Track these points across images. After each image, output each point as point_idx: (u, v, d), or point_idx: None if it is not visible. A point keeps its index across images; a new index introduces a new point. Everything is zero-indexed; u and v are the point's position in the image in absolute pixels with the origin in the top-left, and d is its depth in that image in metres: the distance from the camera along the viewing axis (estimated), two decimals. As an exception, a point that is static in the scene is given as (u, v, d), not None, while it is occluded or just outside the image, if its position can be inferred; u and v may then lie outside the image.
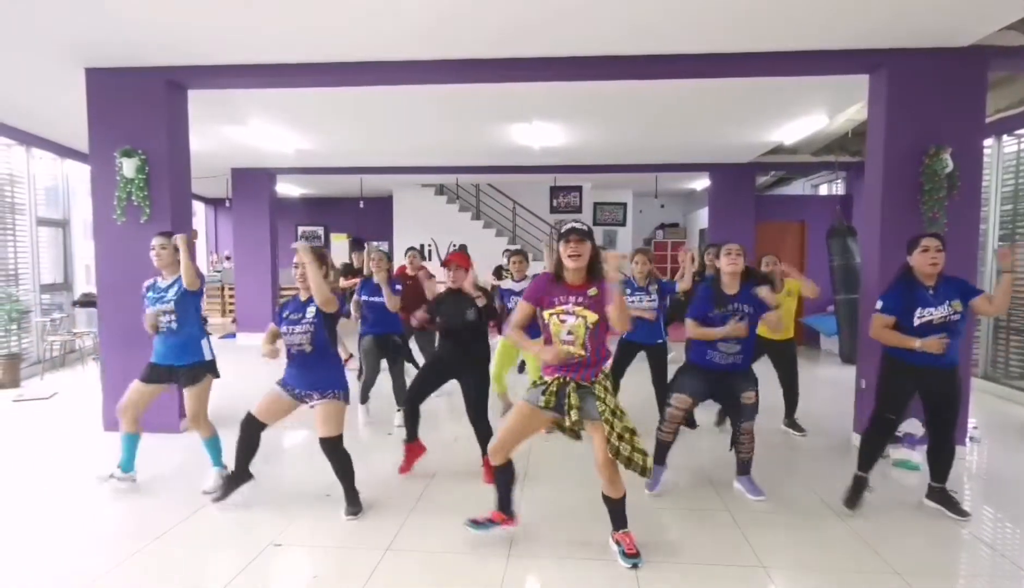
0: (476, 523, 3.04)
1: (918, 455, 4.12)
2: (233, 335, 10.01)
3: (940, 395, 3.28)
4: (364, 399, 5.25)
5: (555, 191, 12.46)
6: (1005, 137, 6.38)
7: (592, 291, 2.71)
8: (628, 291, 4.69)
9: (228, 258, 12.72)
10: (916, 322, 3.17)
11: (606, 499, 2.88)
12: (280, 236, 10.36)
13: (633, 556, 2.82)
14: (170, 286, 3.62)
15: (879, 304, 3.29)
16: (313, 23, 3.94)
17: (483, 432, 3.85)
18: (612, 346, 4.65)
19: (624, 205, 12.91)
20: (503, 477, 3.04)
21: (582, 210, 12.45)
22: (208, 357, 3.69)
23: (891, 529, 3.23)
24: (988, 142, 6.30)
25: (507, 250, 7.12)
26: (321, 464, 3.38)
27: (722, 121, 6.69)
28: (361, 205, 11.56)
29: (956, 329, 3.17)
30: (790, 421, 4.96)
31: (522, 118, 6.60)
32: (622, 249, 12.88)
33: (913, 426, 4.23)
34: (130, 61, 4.58)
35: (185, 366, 3.60)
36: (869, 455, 3.42)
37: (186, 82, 4.87)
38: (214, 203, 13.57)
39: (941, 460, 3.39)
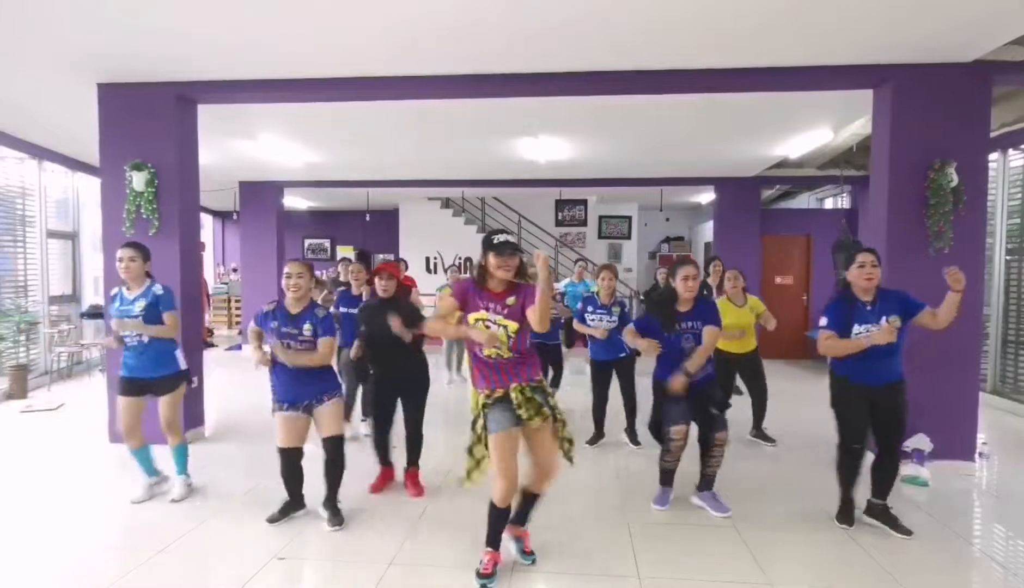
0: (487, 576, 2.81)
1: (927, 471, 4.08)
2: (239, 347, 10.05)
3: (886, 410, 3.26)
4: (364, 413, 5.20)
5: (560, 204, 12.50)
6: (1011, 151, 6.37)
7: (511, 300, 2.75)
8: (590, 308, 4.83)
9: (235, 270, 12.80)
10: (853, 337, 3.18)
11: (529, 497, 2.92)
12: (287, 249, 10.43)
13: (529, 554, 2.97)
14: (137, 299, 3.58)
15: (823, 321, 3.28)
16: (321, 39, 4.00)
17: (414, 441, 3.88)
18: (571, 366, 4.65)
19: (629, 218, 12.93)
20: (502, 518, 2.86)
21: (587, 223, 12.49)
22: (183, 367, 3.72)
23: (901, 545, 3.19)
24: (993, 156, 6.29)
25: None
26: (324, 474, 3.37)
27: (727, 135, 6.71)
28: (367, 218, 11.63)
29: (893, 346, 3.12)
30: (758, 432, 5.02)
31: (528, 132, 6.65)
32: (627, 262, 12.90)
33: (922, 442, 4.19)
34: (142, 76, 4.66)
35: (160, 378, 3.62)
36: (847, 479, 3.41)
37: (196, 97, 4.94)
38: (222, 215, 13.68)
39: (884, 476, 3.35)
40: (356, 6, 3.53)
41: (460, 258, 11.80)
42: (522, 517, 2.97)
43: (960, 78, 4.24)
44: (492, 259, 2.73)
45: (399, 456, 3.98)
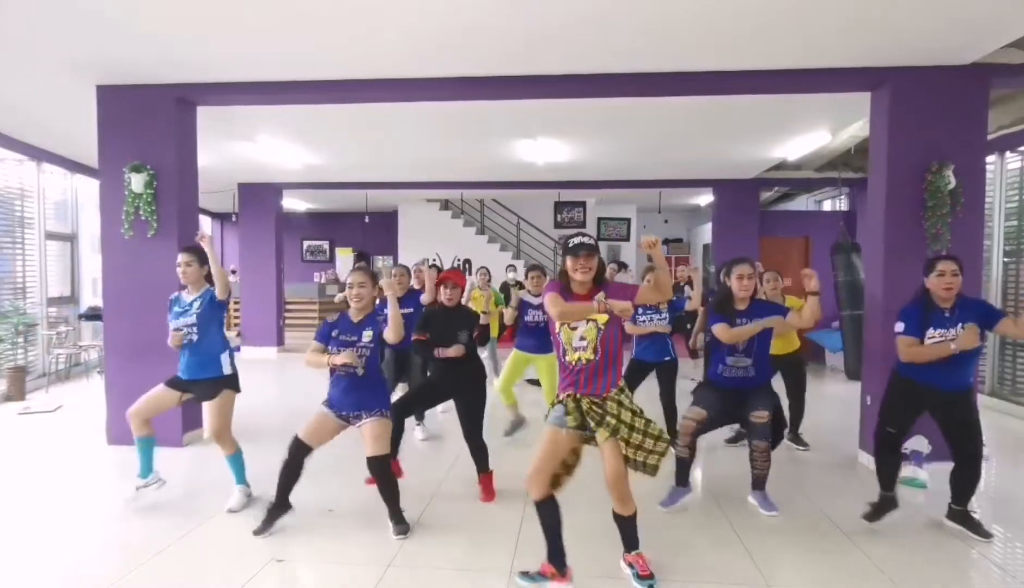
0: (526, 575, 2.81)
1: (925, 473, 4.08)
2: (238, 349, 10.02)
3: (956, 420, 3.23)
4: (418, 418, 5.13)
5: (559, 206, 12.51)
6: (1008, 153, 6.38)
7: (599, 296, 2.67)
8: (639, 310, 4.67)
9: (234, 272, 12.78)
10: (927, 341, 3.15)
11: (617, 518, 2.80)
12: (286, 250, 10.42)
13: (647, 578, 2.74)
14: (195, 300, 3.62)
15: (900, 326, 3.23)
16: (320, 42, 4.01)
17: (477, 449, 3.84)
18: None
19: (628, 220, 12.94)
20: (546, 516, 2.74)
21: (586, 225, 12.49)
22: (227, 371, 3.62)
23: (899, 548, 3.19)
24: (991, 159, 6.30)
25: (510, 266, 7.11)
26: (324, 480, 3.37)
27: (726, 137, 6.73)
28: (366, 220, 11.63)
29: (969, 353, 3.11)
30: (794, 436, 4.94)
31: (527, 134, 6.65)
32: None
33: (920, 444, 4.19)
34: (141, 78, 4.66)
35: (203, 380, 3.58)
36: (886, 473, 3.39)
37: (195, 99, 4.94)
38: (221, 217, 13.66)
39: (962, 483, 3.32)
40: (355, 10, 3.54)
41: (459, 260, 11.80)
42: (627, 543, 2.82)
43: (958, 81, 4.25)
44: (569, 262, 2.69)
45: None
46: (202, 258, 3.64)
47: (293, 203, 12.00)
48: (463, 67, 4.43)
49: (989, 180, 5.51)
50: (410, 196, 11.54)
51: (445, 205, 12.43)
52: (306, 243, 14.07)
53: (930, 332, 3.15)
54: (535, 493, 2.72)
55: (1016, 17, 3.58)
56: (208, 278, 3.67)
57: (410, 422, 5.14)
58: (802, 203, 11.59)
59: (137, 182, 4.68)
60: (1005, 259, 6.47)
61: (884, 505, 3.40)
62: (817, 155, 7.88)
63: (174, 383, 3.62)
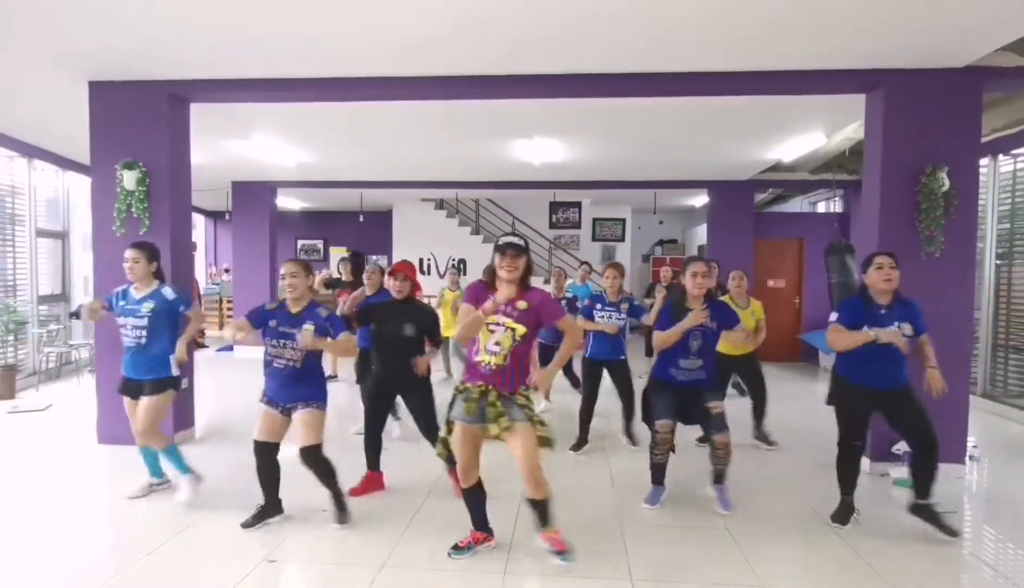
0: (458, 549, 3.03)
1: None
2: (230, 348, 9.98)
3: (906, 414, 3.26)
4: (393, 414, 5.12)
5: (554, 207, 12.50)
6: (1001, 156, 6.42)
7: (522, 305, 2.78)
8: (599, 306, 4.78)
9: (227, 271, 12.73)
10: None
11: (532, 503, 2.90)
12: (280, 249, 10.36)
13: (565, 553, 2.89)
14: (143, 300, 3.59)
15: (833, 316, 3.29)
16: (315, 39, 3.98)
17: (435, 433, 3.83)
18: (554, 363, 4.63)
19: (623, 221, 12.95)
20: (472, 499, 3.05)
21: (581, 225, 12.50)
22: (175, 373, 3.67)
23: (891, 548, 3.20)
24: (984, 161, 6.34)
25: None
26: (316, 480, 3.34)
27: (721, 139, 6.74)
28: (361, 219, 11.59)
29: (898, 351, 3.15)
30: (760, 433, 5.02)
31: (523, 134, 6.65)
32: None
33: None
34: (133, 74, 4.62)
35: (151, 380, 3.60)
36: (846, 480, 3.43)
37: (188, 96, 4.90)
38: (214, 216, 13.60)
39: (921, 475, 3.32)
40: (351, 7, 3.52)
41: (454, 260, 11.79)
42: (541, 521, 2.92)
43: (952, 83, 4.27)
44: (497, 260, 2.78)
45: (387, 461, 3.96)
46: (151, 255, 3.66)
47: (287, 202, 11.95)
48: (459, 66, 4.42)
49: (982, 183, 5.54)
50: (405, 195, 11.52)
51: (440, 205, 12.41)
52: (300, 242, 14.02)
53: (866, 329, 3.17)
54: (467, 483, 2.98)
55: (1010, 20, 3.59)
56: (156, 275, 3.69)
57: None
58: (797, 205, 11.63)
59: (129, 179, 4.64)
60: (997, 261, 6.50)
61: (848, 508, 3.43)
62: (812, 157, 7.91)
63: (128, 390, 3.64)
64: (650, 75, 4.47)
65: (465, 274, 8.03)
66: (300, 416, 3.28)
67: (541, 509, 2.90)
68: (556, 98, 5.04)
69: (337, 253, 13.43)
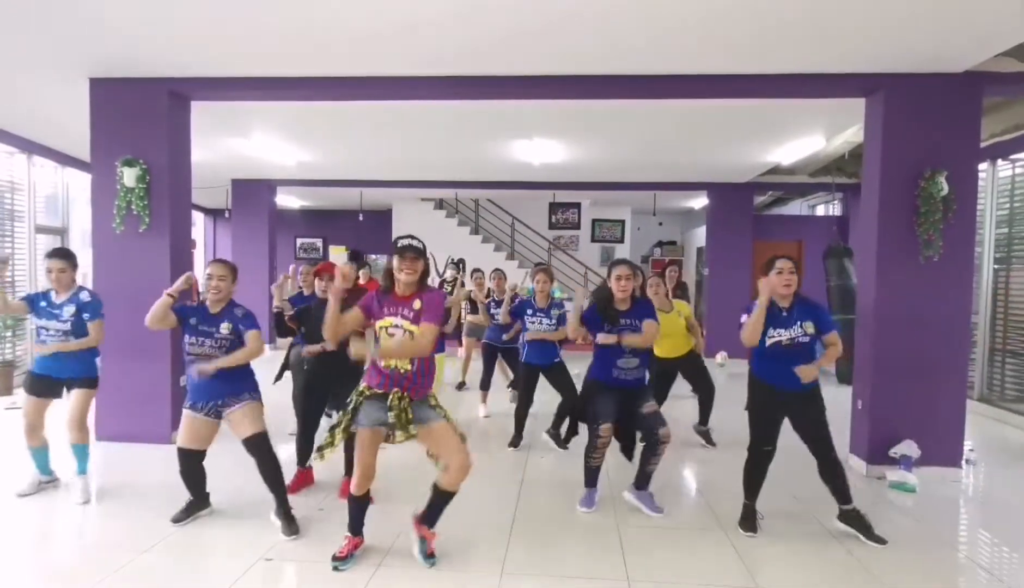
0: (342, 559, 2.94)
1: (914, 477, 4.11)
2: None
3: (807, 419, 3.29)
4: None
5: (554, 207, 12.51)
6: (1000, 161, 6.44)
7: (416, 304, 2.82)
8: (529, 312, 4.80)
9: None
10: (768, 342, 3.21)
11: (441, 493, 2.92)
12: (279, 248, 10.37)
13: (431, 556, 2.95)
14: (64, 305, 3.61)
15: (743, 318, 3.30)
16: (316, 38, 3.98)
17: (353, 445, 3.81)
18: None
19: (622, 222, 12.96)
20: (363, 505, 3.03)
21: (580, 226, 12.51)
22: (99, 373, 3.78)
23: (887, 551, 3.20)
24: (983, 166, 6.35)
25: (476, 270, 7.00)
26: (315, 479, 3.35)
27: (720, 141, 6.75)
28: (360, 218, 11.59)
29: (805, 350, 3.20)
30: (703, 428, 5.02)
31: (522, 135, 6.65)
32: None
33: (909, 448, 4.22)
34: (134, 72, 4.62)
35: (79, 378, 3.67)
36: (752, 485, 3.42)
37: (189, 93, 4.90)
38: (213, 213, 13.59)
39: (834, 480, 3.33)
40: (352, 7, 3.52)
41: (453, 259, 11.78)
42: (431, 518, 2.96)
43: (952, 88, 4.28)
44: (396, 262, 2.82)
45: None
46: (74, 262, 3.69)
47: (287, 200, 11.94)
48: (460, 66, 4.42)
49: (981, 187, 5.55)
50: (405, 195, 11.52)
51: (440, 204, 12.41)
52: (300, 240, 14.01)
53: (770, 333, 3.20)
54: (362, 490, 2.96)
55: (1010, 26, 3.61)
56: (73, 279, 3.72)
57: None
58: (796, 207, 11.66)
59: (129, 176, 4.64)
60: (995, 266, 6.52)
61: (750, 513, 3.43)
62: (811, 160, 7.93)
63: (39, 388, 3.67)
64: (650, 77, 4.48)
65: (464, 271, 8.01)
66: (237, 411, 3.22)
67: (443, 504, 2.95)
68: (556, 99, 5.04)
69: (337, 252, 13.43)
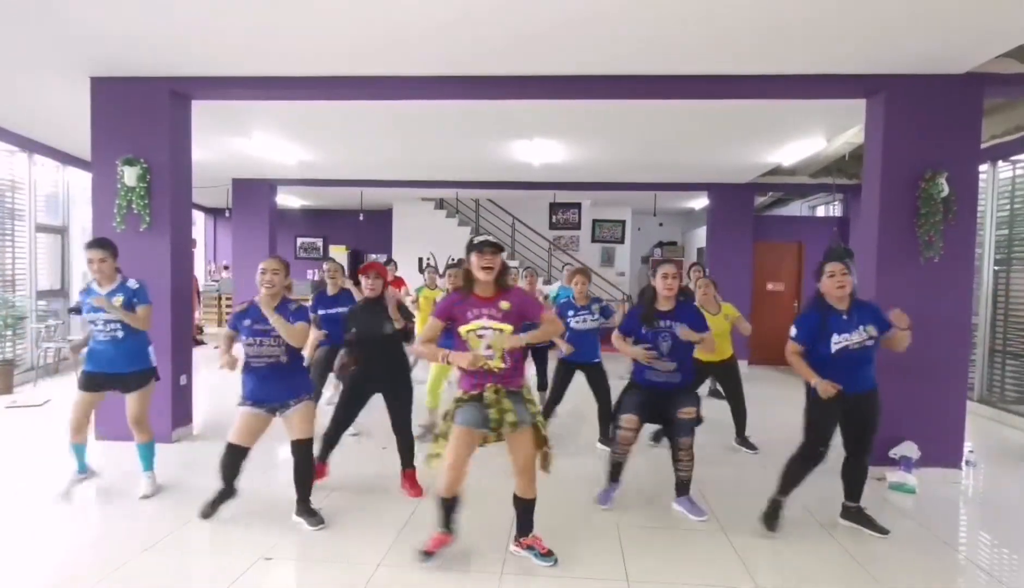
0: (427, 555, 2.94)
1: (914, 478, 4.11)
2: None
3: (861, 420, 3.29)
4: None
5: (554, 207, 12.50)
6: (1000, 163, 6.43)
7: (504, 305, 2.77)
8: (571, 313, 4.81)
9: (227, 268, 12.72)
10: (833, 348, 3.17)
11: (520, 501, 2.93)
12: (279, 247, 10.37)
13: (548, 555, 2.94)
14: (110, 295, 3.59)
15: (792, 331, 3.29)
16: (318, 38, 3.98)
17: (406, 444, 3.84)
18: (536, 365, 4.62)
19: (623, 223, 12.96)
20: (452, 508, 2.97)
21: (581, 227, 12.50)
22: (154, 363, 3.76)
23: (886, 551, 3.20)
24: (983, 167, 6.35)
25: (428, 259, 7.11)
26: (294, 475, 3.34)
27: (721, 142, 6.75)
28: (361, 218, 11.59)
29: (870, 354, 3.19)
30: (741, 439, 5.01)
31: (523, 135, 6.65)
32: (619, 266, 12.94)
33: (909, 449, 4.22)
34: (135, 71, 4.62)
35: (133, 372, 3.64)
36: (792, 482, 3.40)
37: (190, 93, 4.91)
38: (214, 212, 13.59)
39: (856, 479, 3.41)
40: (353, 6, 3.52)
41: (453, 259, 11.77)
42: (524, 527, 2.96)
43: (953, 89, 4.28)
44: (474, 259, 2.76)
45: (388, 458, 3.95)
46: (114, 252, 3.66)
47: (287, 199, 11.94)
48: (460, 66, 4.42)
49: (981, 189, 5.55)
50: (405, 195, 11.51)
51: (440, 204, 12.40)
52: (300, 240, 14.01)
53: (835, 339, 3.17)
54: (451, 492, 2.89)
55: (1011, 28, 3.61)
56: (119, 270, 3.70)
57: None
58: (796, 208, 11.65)
59: (130, 175, 4.64)
60: (996, 267, 6.52)
61: (776, 509, 3.42)
62: (812, 161, 7.92)
63: (90, 384, 3.64)
64: (651, 78, 4.47)
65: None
66: (295, 412, 3.30)
67: (527, 511, 2.95)
68: (556, 99, 5.04)
69: (337, 251, 13.42)
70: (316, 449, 3.54)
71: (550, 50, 4.10)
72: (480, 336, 2.76)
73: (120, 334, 3.59)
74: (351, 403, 3.86)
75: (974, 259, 4.61)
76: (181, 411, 4.93)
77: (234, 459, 3.33)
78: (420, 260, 12.04)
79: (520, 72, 4.49)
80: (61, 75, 4.73)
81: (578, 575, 2.90)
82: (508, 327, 2.75)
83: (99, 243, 3.66)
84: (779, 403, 6.45)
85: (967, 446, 4.63)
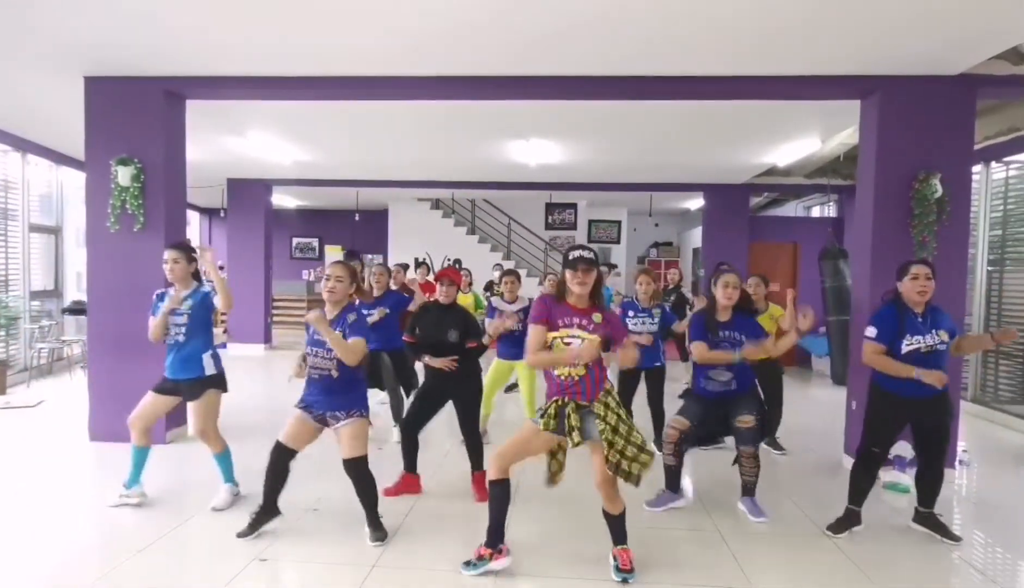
0: (469, 564, 2.91)
1: (908, 478, 4.12)
2: (224, 346, 9.94)
3: (933, 425, 3.26)
4: (396, 420, 5.05)
5: (550, 208, 12.52)
6: (993, 164, 6.47)
7: (596, 317, 2.77)
8: (631, 313, 4.69)
9: (221, 268, 12.67)
10: (904, 349, 3.15)
11: (606, 515, 2.92)
12: (274, 247, 10.34)
13: (626, 571, 2.84)
14: (185, 298, 3.52)
15: (872, 331, 3.23)
16: (313, 38, 3.97)
17: (474, 446, 3.83)
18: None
19: (619, 223, 12.98)
20: (498, 495, 2.89)
21: (577, 227, 12.51)
22: (210, 371, 3.55)
23: (881, 552, 3.22)
24: (976, 168, 6.39)
25: (498, 265, 7.10)
26: (308, 479, 3.34)
27: (717, 142, 6.76)
28: (357, 218, 11.57)
29: (939, 359, 3.16)
30: (771, 440, 4.98)
31: (519, 135, 6.65)
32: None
33: (903, 449, 4.24)
34: (129, 70, 4.60)
35: (185, 380, 3.52)
36: (860, 489, 3.40)
37: (185, 92, 4.89)
38: (209, 213, 13.54)
39: (929, 486, 3.38)
40: (350, 7, 3.51)
41: (449, 259, 11.78)
42: (616, 537, 2.93)
43: (946, 90, 4.30)
44: (568, 275, 2.77)
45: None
46: (189, 255, 3.59)
47: (283, 199, 11.91)
48: (457, 67, 4.42)
49: (974, 190, 5.58)
50: (401, 195, 11.50)
51: (436, 204, 12.40)
52: (296, 240, 13.99)
53: (907, 340, 3.15)
54: (494, 471, 2.87)
55: (1004, 29, 3.63)
56: (195, 276, 3.62)
57: (387, 422, 5.15)
58: (791, 209, 11.69)
59: (124, 175, 4.62)
60: (989, 268, 6.55)
61: (851, 519, 3.41)
62: (807, 161, 7.95)
63: (162, 387, 3.57)
64: (647, 79, 4.48)
65: (460, 269, 8.03)
66: (343, 427, 3.15)
67: (614, 523, 2.91)
68: (553, 100, 5.05)
69: (333, 252, 13.41)
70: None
71: (550, 51, 4.10)
72: (567, 343, 2.76)
73: (182, 338, 3.50)
74: (422, 408, 3.85)
75: (967, 260, 4.63)
76: (178, 411, 4.89)
77: (278, 459, 3.20)
78: (416, 260, 12.04)
79: (517, 73, 4.49)
80: (55, 74, 4.71)
81: (578, 575, 2.90)
82: (596, 338, 2.74)
83: (174, 244, 3.60)
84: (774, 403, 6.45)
85: (961, 446, 4.65)
